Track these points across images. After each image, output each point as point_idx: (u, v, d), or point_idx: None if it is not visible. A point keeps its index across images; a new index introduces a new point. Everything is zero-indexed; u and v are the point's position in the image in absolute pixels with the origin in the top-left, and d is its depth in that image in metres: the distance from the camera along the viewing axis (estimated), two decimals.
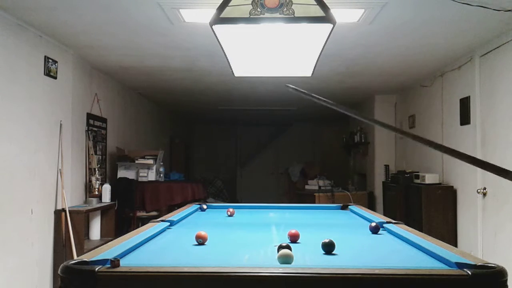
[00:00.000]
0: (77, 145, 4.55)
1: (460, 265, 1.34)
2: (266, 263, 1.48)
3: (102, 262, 1.38)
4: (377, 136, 6.90)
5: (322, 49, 2.51)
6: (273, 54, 2.66)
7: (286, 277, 1.27)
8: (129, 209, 5.34)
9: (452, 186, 4.75)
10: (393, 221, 2.39)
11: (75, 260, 1.41)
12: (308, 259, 1.59)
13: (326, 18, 2.04)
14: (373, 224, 2.18)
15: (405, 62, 4.78)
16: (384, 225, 2.26)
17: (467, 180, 4.43)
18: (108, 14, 3.26)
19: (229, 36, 2.31)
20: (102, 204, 4.67)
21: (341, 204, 3.48)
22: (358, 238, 2.07)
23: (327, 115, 9.22)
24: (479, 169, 4.17)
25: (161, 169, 5.91)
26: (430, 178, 4.87)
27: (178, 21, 3.39)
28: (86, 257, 1.45)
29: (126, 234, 1.95)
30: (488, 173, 4.22)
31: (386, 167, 6.57)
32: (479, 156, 4.18)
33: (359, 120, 7.67)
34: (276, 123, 10.84)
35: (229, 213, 2.89)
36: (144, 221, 5.14)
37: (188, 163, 10.49)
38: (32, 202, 3.65)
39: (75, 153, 4.47)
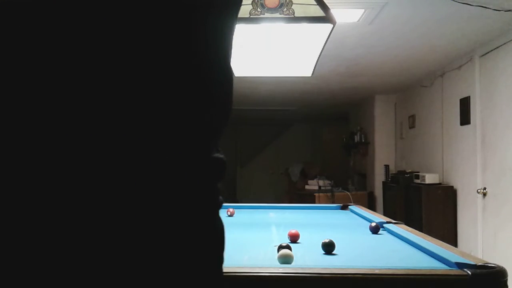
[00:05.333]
0: None
1: (460, 265, 1.34)
2: (266, 263, 1.48)
3: None
4: (377, 136, 6.90)
5: (322, 49, 2.51)
6: (273, 54, 2.66)
7: (286, 277, 1.27)
8: None
9: (452, 186, 4.75)
10: (393, 221, 2.39)
11: None
12: (308, 259, 1.59)
13: (326, 18, 2.04)
14: (373, 224, 2.18)
15: (405, 62, 4.78)
16: (384, 225, 2.26)
17: (467, 180, 4.43)
18: None
19: None
20: None
21: (341, 204, 3.48)
22: (358, 238, 2.06)
23: (327, 115, 9.22)
24: (479, 169, 4.17)
25: None
26: (430, 178, 4.87)
27: None
28: None
29: None
30: (488, 173, 4.23)
31: (386, 167, 6.57)
32: (479, 156, 4.18)
33: (360, 120, 7.67)
34: (276, 123, 10.83)
35: (229, 213, 2.88)
36: None
37: None
38: None
39: None
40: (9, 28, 0.53)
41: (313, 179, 7.34)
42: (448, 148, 4.92)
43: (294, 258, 1.44)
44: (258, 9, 2.03)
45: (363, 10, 3.16)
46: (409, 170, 5.65)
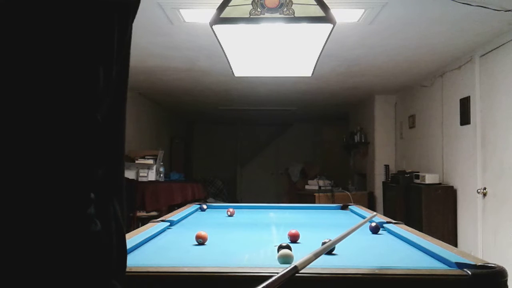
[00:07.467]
0: None
1: (460, 265, 1.34)
2: (266, 263, 1.48)
3: None
4: (377, 136, 6.90)
5: (322, 49, 2.51)
6: (273, 54, 2.66)
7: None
8: (129, 209, 5.34)
9: (452, 186, 4.75)
10: (393, 221, 2.39)
11: None
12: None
13: (326, 18, 2.04)
14: (373, 224, 2.18)
15: (405, 62, 4.78)
16: (384, 225, 2.26)
17: (467, 180, 4.43)
18: None
19: (229, 36, 2.31)
20: None
21: (341, 204, 3.48)
22: (358, 238, 2.06)
23: (327, 115, 9.23)
24: (479, 169, 4.17)
25: (161, 169, 5.91)
26: (430, 178, 4.87)
27: (178, 21, 3.39)
28: None
29: (126, 234, 1.95)
30: (488, 173, 4.23)
31: (386, 167, 6.57)
32: (479, 156, 4.18)
33: (360, 120, 7.67)
34: (276, 123, 10.84)
35: (229, 213, 2.88)
36: (144, 221, 5.14)
37: (188, 163, 10.49)
38: None
39: None
40: None
41: (313, 179, 7.34)
42: (448, 148, 4.92)
43: (294, 258, 1.44)
44: (258, 9, 2.03)
45: (363, 10, 3.16)
46: (409, 170, 5.65)
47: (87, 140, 0.58)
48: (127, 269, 1.36)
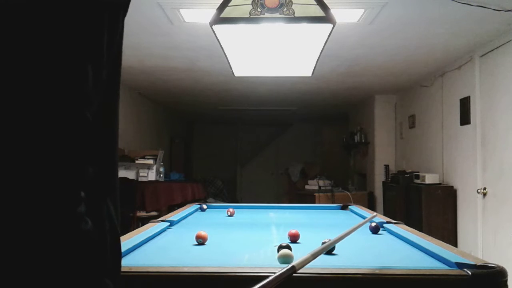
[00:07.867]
0: None
1: (460, 265, 1.34)
2: (266, 263, 1.48)
3: None
4: (377, 136, 6.90)
5: (322, 49, 2.51)
6: (273, 54, 2.66)
7: None
8: (129, 209, 5.34)
9: (452, 186, 4.75)
10: (393, 221, 2.39)
11: None
12: None
13: (326, 18, 2.04)
14: (373, 224, 2.18)
15: (405, 62, 4.78)
16: (384, 225, 2.26)
17: (467, 180, 4.43)
18: None
19: (229, 36, 2.31)
20: None
21: (341, 204, 3.47)
22: (358, 238, 2.06)
23: (327, 115, 9.23)
24: (479, 169, 4.17)
25: (161, 169, 5.90)
26: (430, 178, 4.87)
27: (178, 21, 3.39)
28: None
29: (126, 234, 1.95)
30: (488, 173, 4.22)
31: (386, 167, 6.57)
32: (479, 156, 4.18)
33: (360, 120, 7.67)
34: (276, 123, 10.84)
35: (229, 213, 2.88)
36: (144, 221, 5.13)
37: (188, 163, 10.49)
38: None
39: None
40: None
41: (313, 179, 7.34)
42: (448, 148, 4.92)
43: (294, 258, 1.44)
44: (258, 9, 2.03)
45: (363, 10, 3.16)
46: (409, 170, 5.65)
47: (76, 138, 0.57)
48: (127, 269, 1.37)
